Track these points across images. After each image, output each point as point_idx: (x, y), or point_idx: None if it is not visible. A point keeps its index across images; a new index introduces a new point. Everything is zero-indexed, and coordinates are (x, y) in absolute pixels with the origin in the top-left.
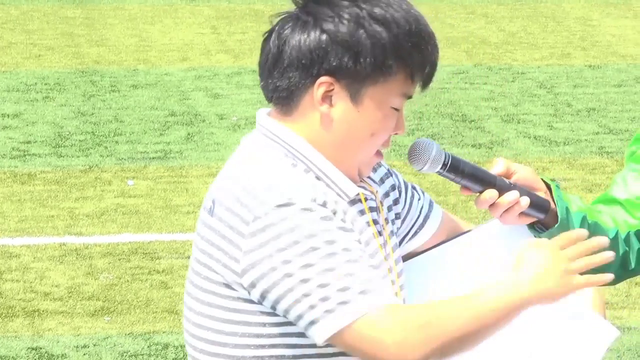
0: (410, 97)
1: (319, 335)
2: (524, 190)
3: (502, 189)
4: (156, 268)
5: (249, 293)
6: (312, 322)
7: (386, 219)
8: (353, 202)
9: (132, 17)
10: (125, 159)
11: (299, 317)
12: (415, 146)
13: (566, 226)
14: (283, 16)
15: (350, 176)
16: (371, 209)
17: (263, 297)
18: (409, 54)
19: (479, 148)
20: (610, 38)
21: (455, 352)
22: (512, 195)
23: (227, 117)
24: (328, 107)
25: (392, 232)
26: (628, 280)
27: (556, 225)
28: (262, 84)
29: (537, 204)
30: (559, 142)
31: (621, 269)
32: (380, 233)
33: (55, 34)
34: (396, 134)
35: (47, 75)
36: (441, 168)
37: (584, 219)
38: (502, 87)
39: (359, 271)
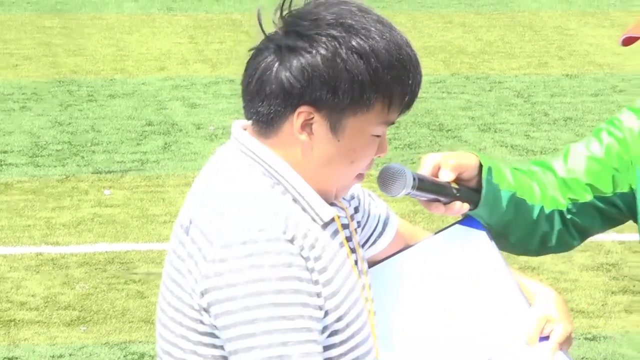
0: (392, 123)
1: None
2: (463, 193)
3: (449, 196)
4: (132, 278)
5: (209, 315)
6: None
7: (356, 231)
8: (327, 224)
9: (109, 27)
10: (102, 169)
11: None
12: (388, 173)
13: (493, 206)
14: (264, 44)
15: (327, 199)
16: (344, 227)
17: (214, 323)
18: (388, 87)
19: None
20: (587, 47)
21: None
22: (458, 207)
23: (204, 126)
24: (307, 136)
25: (360, 243)
26: (604, 289)
27: (480, 205)
28: (243, 104)
29: (473, 203)
30: (535, 151)
31: (540, 246)
32: (353, 250)
33: (32, 44)
34: (378, 156)
35: (25, 85)
36: (411, 189)
37: (512, 198)
38: (479, 96)
39: (295, 344)
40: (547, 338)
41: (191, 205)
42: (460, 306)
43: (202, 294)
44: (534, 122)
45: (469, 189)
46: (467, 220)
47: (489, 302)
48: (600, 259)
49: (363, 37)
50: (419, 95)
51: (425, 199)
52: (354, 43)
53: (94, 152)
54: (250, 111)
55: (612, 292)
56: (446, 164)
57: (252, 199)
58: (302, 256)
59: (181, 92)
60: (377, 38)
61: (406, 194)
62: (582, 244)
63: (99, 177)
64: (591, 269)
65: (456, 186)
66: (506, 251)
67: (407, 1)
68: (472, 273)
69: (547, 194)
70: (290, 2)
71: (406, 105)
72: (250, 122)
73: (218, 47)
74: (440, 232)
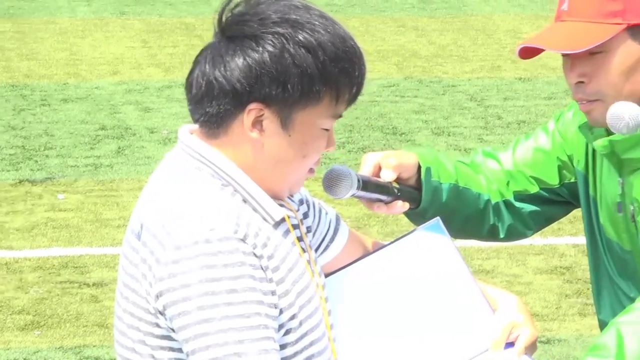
0: (340, 116)
1: None
2: (404, 192)
3: (390, 195)
4: (86, 282)
5: (165, 318)
6: None
7: (305, 233)
8: (278, 223)
9: (62, 31)
10: (55, 173)
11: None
12: (333, 175)
13: (433, 203)
14: (209, 46)
15: (280, 196)
16: (294, 227)
17: (170, 326)
18: (336, 79)
19: None
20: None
21: None
22: (399, 206)
23: (157, 130)
24: (258, 133)
25: (311, 245)
26: (558, 292)
27: (421, 205)
28: (190, 107)
29: (414, 202)
30: None
31: (491, 237)
32: (304, 250)
33: None
34: (328, 150)
35: None
36: (356, 189)
37: (453, 188)
38: (432, 100)
39: (248, 342)
40: (512, 344)
41: (141, 210)
42: (424, 313)
43: (157, 297)
44: (487, 126)
45: (410, 188)
46: (429, 226)
47: (452, 309)
48: (554, 262)
49: (309, 32)
50: (372, 98)
51: (367, 199)
52: (300, 38)
53: (47, 156)
54: (199, 112)
55: (566, 295)
56: (387, 163)
57: (202, 201)
58: (255, 254)
59: (134, 96)
60: (322, 32)
61: (351, 195)
62: (537, 248)
63: (53, 181)
64: (545, 272)
65: (397, 185)
66: (455, 236)
67: (359, 5)
68: (436, 280)
69: (492, 186)
70: (235, 5)
71: (353, 97)
72: (197, 125)
73: (171, 51)
74: (402, 238)
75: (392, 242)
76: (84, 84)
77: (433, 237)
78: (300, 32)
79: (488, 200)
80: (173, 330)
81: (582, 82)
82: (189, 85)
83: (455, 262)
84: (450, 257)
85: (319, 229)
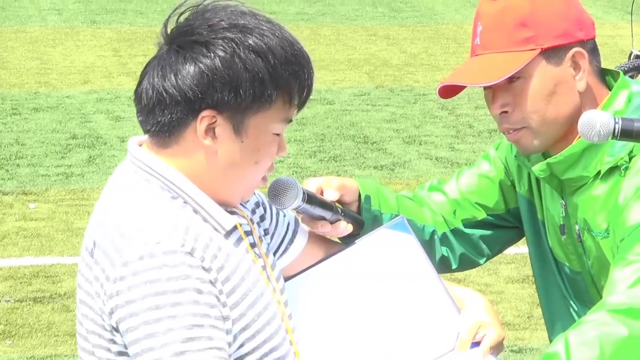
0: (290, 121)
1: None
2: (347, 214)
3: (335, 214)
4: (58, 291)
5: (120, 335)
6: None
7: (260, 238)
8: (229, 232)
9: (33, 40)
10: (26, 182)
11: None
12: (279, 185)
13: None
14: (157, 56)
15: (232, 204)
16: (247, 233)
17: (124, 342)
18: (287, 82)
19: (381, 170)
20: None
21: None
22: (343, 226)
23: (128, 139)
24: (211, 140)
25: (267, 250)
26: (530, 301)
27: (364, 230)
28: (140, 119)
29: (357, 226)
30: (460, 163)
31: (443, 268)
32: (259, 256)
33: None
34: (280, 156)
35: None
36: (301, 201)
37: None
38: (403, 108)
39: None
40: (478, 344)
41: (93, 227)
42: (390, 313)
43: (110, 315)
44: (458, 134)
45: (352, 212)
46: (393, 224)
47: (418, 308)
48: (526, 271)
49: (258, 36)
50: (344, 107)
51: (311, 215)
52: (250, 42)
53: (18, 165)
54: (150, 123)
55: (538, 305)
56: (329, 184)
57: (150, 214)
58: (203, 268)
59: (105, 105)
60: (271, 36)
61: (295, 208)
62: (508, 257)
63: (24, 190)
64: (517, 281)
65: (340, 207)
66: None
67: (330, 14)
68: (401, 279)
69: (438, 218)
70: (180, 14)
71: (303, 101)
72: (146, 136)
73: (142, 60)
74: (366, 237)
75: (356, 242)
76: (55, 93)
77: (397, 235)
78: (250, 36)
79: (434, 232)
80: (126, 346)
81: (505, 111)
82: (138, 97)
83: (420, 261)
84: (415, 256)
85: (277, 231)
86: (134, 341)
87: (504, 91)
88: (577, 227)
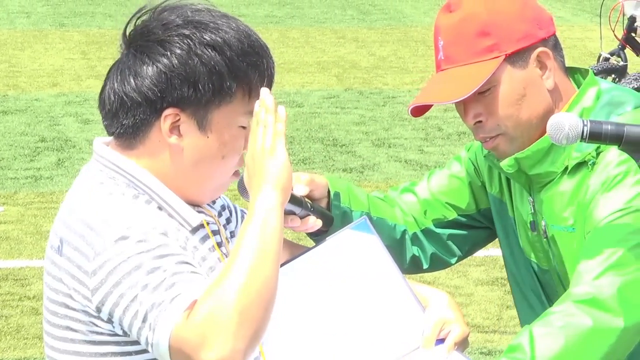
0: None
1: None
2: (317, 209)
3: (304, 209)
4: (27, 294)
5: (113, 327)
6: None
7: (227, 239)
8: (195, 229)
9: (1, 43)
10: None
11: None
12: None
13: (344, 226)
14: (118, 60)
15: (201, 202)
16: (214, 233)
17: (123, 329)
18: (245, 74)
19: (350, 172)
20: None
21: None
22: (312, 221)
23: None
24: (177, 138)
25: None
26: (499, 303)
27: (333, 226)
28: (105, 123)
29: (326, 221)
30: (430, 165)
31: (414, 268)
32: (226, 255)
33: None
34: (247, 150)
35: None
36: None
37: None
38: (373, 111)
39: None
40: (443, 341)
41: (59, 225)
42: (354, 312)
43: (99, 309)
44: (427, 137)
45: (321, 208)
46: (356, 225)
47: (383, 307)
48: (495, 274)
49: (213, 31)
50: (313, 110)
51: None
52: (206, 37)
53: None
54: (114, 126)
55: (507, 307)
56: (298, 179)
57: (117, 208)
58: (179, 246)
59: (74, 108)
60: (227, 29)
61: None
62: (478, 259)
63: None
64: (486, 284)
65: (310, 202)
66: None
67: (299, 17)
68: (365, 279)
69: (408, 218)
70: (138, 18)
71: (262, 89)
72: (112, 138)
73: (111, 63)
74: (331, 238)
75: (319, 243)
76: (24, 96)
77: (361, 236)
78: (205, 32)
79: (405, 231)
80: (118, 334)
81: (480, 121)
82: (101, 102)
83: (384, 260)
84: (378, 255)
85: None
86: (119, 303)
87: (475, 102)
88: (543, 223)
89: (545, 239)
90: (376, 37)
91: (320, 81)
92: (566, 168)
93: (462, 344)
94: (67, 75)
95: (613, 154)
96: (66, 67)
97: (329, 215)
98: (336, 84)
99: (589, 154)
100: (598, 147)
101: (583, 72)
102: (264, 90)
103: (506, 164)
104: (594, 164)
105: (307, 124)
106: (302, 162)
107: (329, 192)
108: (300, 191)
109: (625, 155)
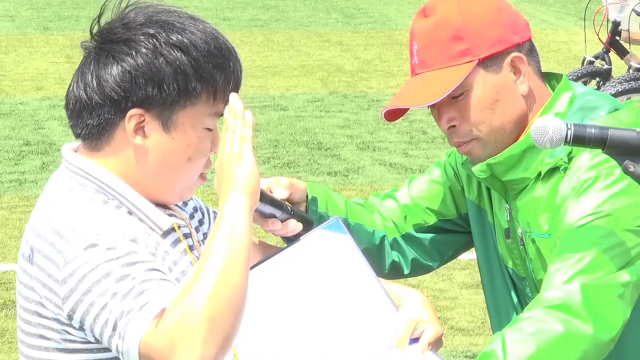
0: (221, 115)
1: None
2: (297, 213)
3: (285, 212)
4: (12, 298)
5: (85, 334)
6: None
7: (200, 242)
8: (166, 232)
9: None
10: None
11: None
12: None
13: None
14: (82, 61)
15: (169, 203)
16: (185, 236)
17: (95, 337)
18: (211, 75)
19: (335, 176)
20: None
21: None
22: (293, 225)
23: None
24: (142, 139)
25: None
26: (484, 307)
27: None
28: (71, 123)
29: (307, 225)
30: (414, 169)
31: (395, 273)
32: (198, 258)
33: None
34: (214, 152)
35: None
36: None
37: (343, 222)
38: (357, 114)
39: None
40: (417, 340)
41: (30, 233)
42: (327, 313)
43: (70, 317)
44: (412, 141)
45: (301, 212)
46: (328, 225)
47: (356, 307)
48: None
49: (180, 31)
50: (297, 113)
51: (262, 213)
52: (172, 37)
53: None
54: (80, 127)
55: None
56: (278, 183)
57: (86, 214)
58: (149, 253)
59: (59, 111)
60: (194, 30)
61: None
62: (462, 263)
63: None
64: (471, 287)
65: (290, 205)
66: None
67: (284, 20)
68: (337, 279)
69: (388, 223)
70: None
71: (231, 94)
72: (80, 142)
73: None
74: (303, 238)
75: (292, 244)
76: (8, 100)
77: (333, 236)
78: (171, 32)
79: (384, 237)
80: (91, 342)
81: (453, 126)
82: (67, 103)
83: (357, 260)
84: (351, 255)
85: None
86: (89, 311)
87: (449, 106)
88: (519, 230)
89: (522, 246)
90: (361, 40)
91: (305, 85)
92: (539, 174)
93: (436, 344)
94: (51, 79)
95: (584, 159)
96: (50, 70)
97: (309, 219)
98: (321, 87)
99: (561, 159)
100: (570, 152)
101: (557, 77)
102: (232, 96)
103: (478, 169)
104: (565, 169)
105: (292, 127)
106: (287, 165)
107: (307, 196)
108: (281, 194)
109: (596, 160)
